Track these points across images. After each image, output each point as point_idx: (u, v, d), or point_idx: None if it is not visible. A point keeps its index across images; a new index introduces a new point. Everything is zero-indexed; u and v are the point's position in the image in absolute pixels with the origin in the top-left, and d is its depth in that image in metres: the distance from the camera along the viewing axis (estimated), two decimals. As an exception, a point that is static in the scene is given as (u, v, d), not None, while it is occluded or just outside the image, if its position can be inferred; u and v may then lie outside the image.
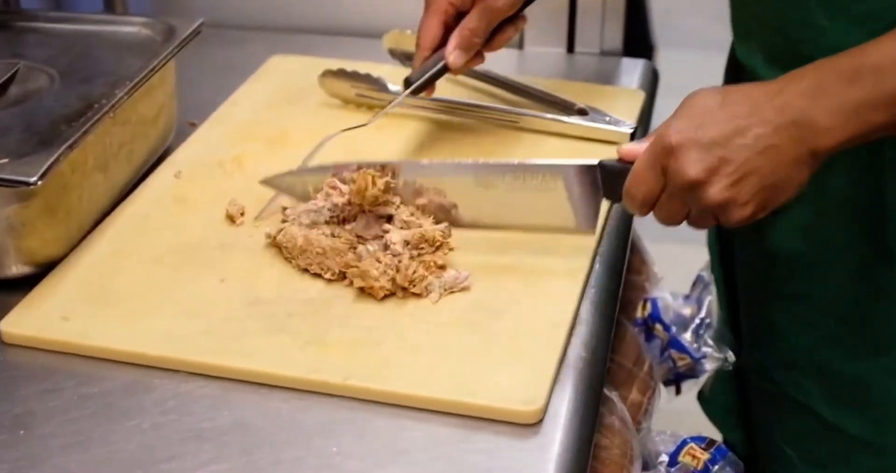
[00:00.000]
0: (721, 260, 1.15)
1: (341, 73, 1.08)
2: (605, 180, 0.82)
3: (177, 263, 0.87)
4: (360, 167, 0.86)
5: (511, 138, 1.03)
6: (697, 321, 1.13)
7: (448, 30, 0.94)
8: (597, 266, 0.88)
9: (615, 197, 0.83)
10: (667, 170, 0.76)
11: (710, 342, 1.11)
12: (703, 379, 1.13)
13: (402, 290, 0.82)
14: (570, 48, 1.22)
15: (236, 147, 1.02)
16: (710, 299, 1.16)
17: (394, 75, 1.12)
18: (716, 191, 0.75)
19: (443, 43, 0.94)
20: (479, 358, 0.77)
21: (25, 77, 0.96)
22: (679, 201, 0.77)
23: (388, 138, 1.03)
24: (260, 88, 1.13)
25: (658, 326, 1.11)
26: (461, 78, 1.08)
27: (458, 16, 0.94)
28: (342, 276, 0.84)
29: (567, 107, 1.05)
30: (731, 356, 1.11)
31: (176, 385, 0.77)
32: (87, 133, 0.85)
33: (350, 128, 0.97)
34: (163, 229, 0.91)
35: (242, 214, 0.92)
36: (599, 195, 0.83)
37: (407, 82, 0.96)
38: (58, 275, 0.86)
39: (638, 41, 2.62)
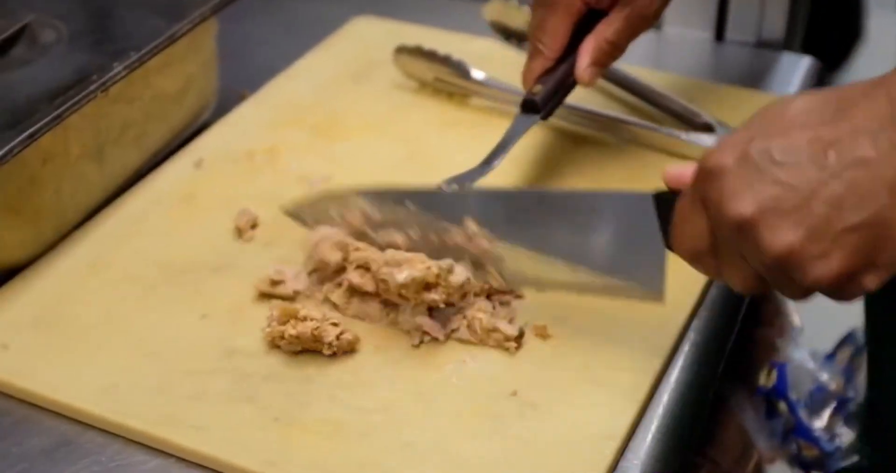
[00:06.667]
0: (879, 318, 0.89)
1: (417, 52, 0.88)
2: (663, 219, 0.58)
3: (155, 286, 0.71)
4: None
5: (608, 154, 0.82)
6: (839, 400, 0.87)
7: (577, 32, 0.73)
8: (685, 351, 0.66)
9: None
10: (708, 204, 0.53)
11: (853, 431, 0.86)
12: (834, 474, 0.87)
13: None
14: (720, 34, 0.98)
15: (275, 133, 0.85)
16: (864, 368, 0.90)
17: (491, 54, 0.92)
18: (773, 236, 0.50)
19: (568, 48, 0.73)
20: None
21: (36, 34, 0.80)
22: (734, 252, 0.53)
23: (472, 141, 0.84)
24: (327, 58, 0.94)
25: (782, 404, 0.85)
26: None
27: (590, 15, 0.73)
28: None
29: (690, 119, 0.83)
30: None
31: (111, 454, 0.61)
32: (59, 118, 0.69)
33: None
34: (153, 237, 0.75)
35: (253, 227, 0.75)
36: (660, 242, 0.59)
37: (526, 104, 0.73)
38: (13, 288, 0.71)
39: (841, 20, 2.20)
